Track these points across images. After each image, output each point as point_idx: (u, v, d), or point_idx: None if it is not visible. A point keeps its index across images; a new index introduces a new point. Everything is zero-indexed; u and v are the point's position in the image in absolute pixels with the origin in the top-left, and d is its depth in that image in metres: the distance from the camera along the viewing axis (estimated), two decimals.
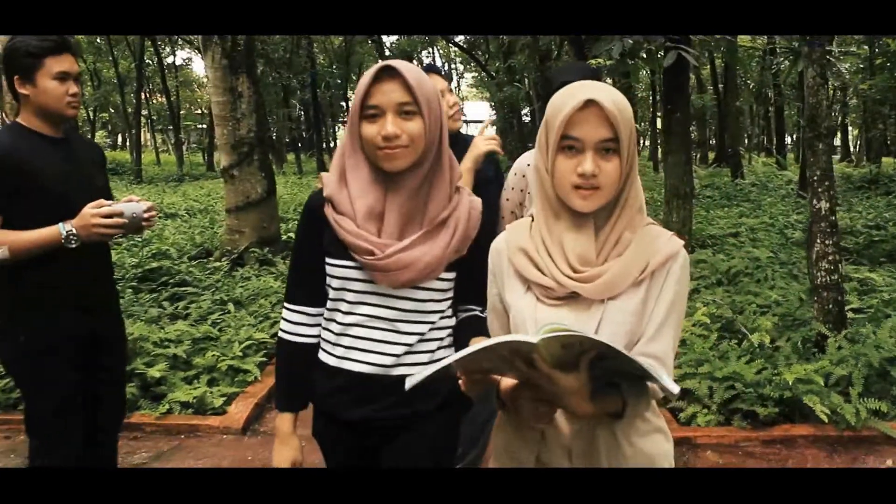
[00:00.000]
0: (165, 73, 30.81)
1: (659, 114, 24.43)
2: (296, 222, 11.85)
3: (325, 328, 1.95)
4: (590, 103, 1.49)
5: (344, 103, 42.34)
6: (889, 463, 3.86)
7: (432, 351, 1.91)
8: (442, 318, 1.93)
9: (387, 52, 30.57)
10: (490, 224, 1.97)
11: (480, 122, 11.18)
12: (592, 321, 1.55)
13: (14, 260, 2.49)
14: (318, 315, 1.95)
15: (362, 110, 1.72)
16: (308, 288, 1.93)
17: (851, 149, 38.43)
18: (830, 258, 4.89)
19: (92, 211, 2.46)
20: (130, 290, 6.71)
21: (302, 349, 1.95)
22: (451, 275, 1.88)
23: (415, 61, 32.57)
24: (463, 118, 2.55)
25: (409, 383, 1.47)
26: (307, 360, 1.96)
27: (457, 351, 1.75)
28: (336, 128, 45.89)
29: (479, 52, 28.85)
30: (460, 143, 2.85)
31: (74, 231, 2.46)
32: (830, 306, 4.94)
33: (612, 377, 1.48)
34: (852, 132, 40.50)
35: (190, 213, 13.37)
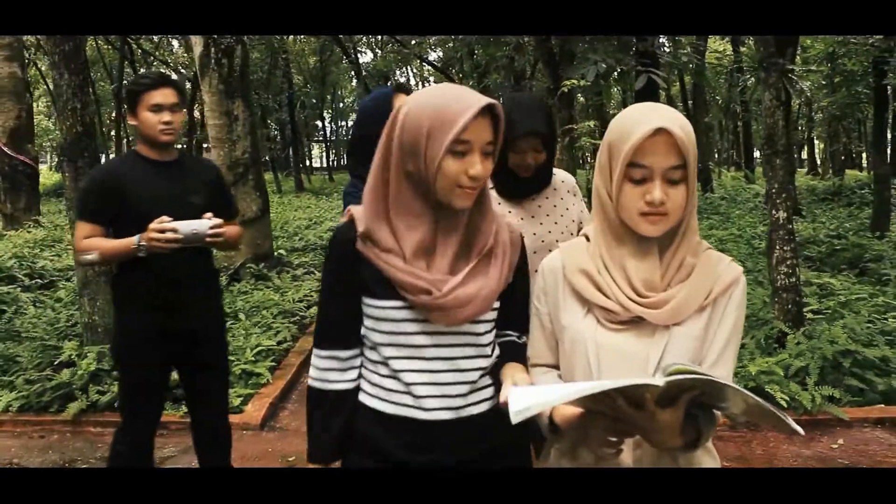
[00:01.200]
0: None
1: None
2: (283, 240, 12.20)
3: (372, 372, 1.78)
4: (659, 131, 1.45)
5: (319, 123, 42.79)
6: (840, 442, 4.36)
7: (492, 384, 1.78)
8: (494, 348, 1.82)
9: (363, 73, 31.01)
10: (524, 247, 1.87)
11: None
12: (657, 347, 1.53)
13: (104, 263, 3.00)
14: (354, 357, 1.79)
15: (452, 144, 1.56)
16: (344, 331, 1.77)
17: (818, 162, 39.31)
18: (789, 263, 5.42)
19: (152, 226, 2.82)
20: None
21: (345, 396, 1.78)
22: (498, 303, 1.76)
23: (390, 81, 33.02)
24: None
25: (517, 417, 1.34)
26: (350, 406, 1.78)
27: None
28: (310, 147, 46.20)
29: (454, 71, 29.29)
30: None
31: (143, 243, 2.86)
32: (790, 306, 5.46)
33: (690, 408, 1.42)
34: (819, 146, 41.39)
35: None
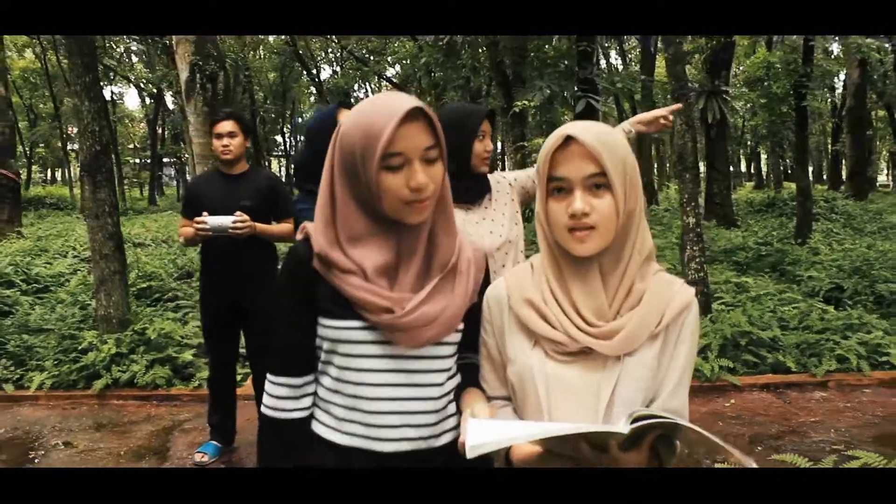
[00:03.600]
0: (108, 108, 31.35)
1: None
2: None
3: (326, 401, 1.66)
4: (569, 140, 1.43)
5: (279, 138, 43.46)
6: (732, 401, 5.42)
7: (456, 412, 1.68)
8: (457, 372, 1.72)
9: (323, 89, 31.76)
10: (489, 268, 1.78)
11: None
12: (610, 378, 1.46)
13: (189, 245, 4.22)
14: (308, 384, 1.66)
15: (382, 159, 1.44)
16: (302, 356, 1.65)
17: (764, 176, 40.84)
18: (697, 260, 6.50)
19: (194, 219, 3.95)
20: (135, 304, 7.92)
21: (303, 423, 1.67)
22: (462, 325, 1.65)
23: (352, 98, 33.88)
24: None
25: (473, 452, 1.26)
26: (306, 435, 1.68)
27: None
28: (270, 161, 46.81)
29: (412, 88, 29.91)
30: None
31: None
32: (698, 297, 6.43)
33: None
34: (765, 160, 42.95)
35: (155, 242, 14.45)
